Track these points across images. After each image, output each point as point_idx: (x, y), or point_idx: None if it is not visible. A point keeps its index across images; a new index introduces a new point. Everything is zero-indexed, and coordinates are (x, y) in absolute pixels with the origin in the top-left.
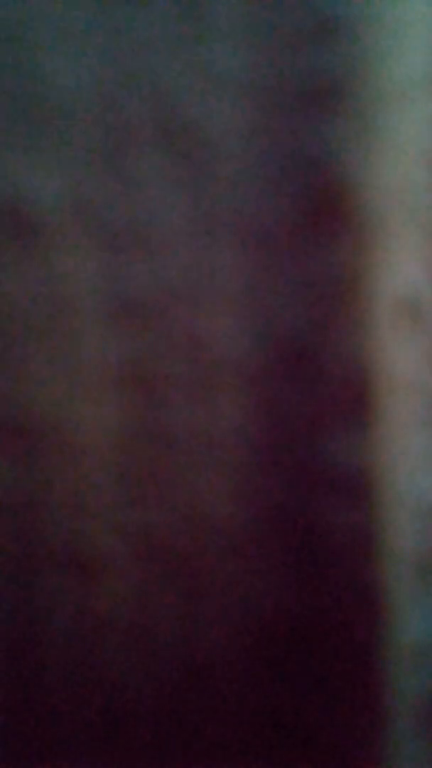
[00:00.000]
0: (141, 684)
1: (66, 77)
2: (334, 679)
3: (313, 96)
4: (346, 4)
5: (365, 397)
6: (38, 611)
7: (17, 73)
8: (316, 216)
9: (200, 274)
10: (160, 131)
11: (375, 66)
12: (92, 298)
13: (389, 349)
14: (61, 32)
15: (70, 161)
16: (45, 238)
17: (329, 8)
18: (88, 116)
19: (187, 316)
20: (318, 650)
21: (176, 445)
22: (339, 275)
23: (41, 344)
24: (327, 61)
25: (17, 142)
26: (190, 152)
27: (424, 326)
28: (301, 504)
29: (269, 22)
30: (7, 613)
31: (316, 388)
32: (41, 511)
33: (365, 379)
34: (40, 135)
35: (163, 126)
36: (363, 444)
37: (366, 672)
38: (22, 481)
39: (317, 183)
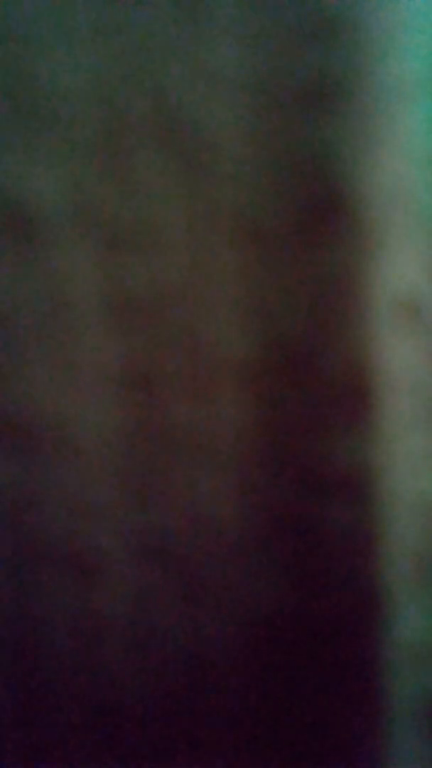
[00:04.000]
0: (141, 683)
1: (66, 77)
2: (333, 679)
3: (313, 96)
4: (346, 4)
5: (365, 397)
6: (38, 611)
7: (17, 73)
8: (316, 216)
9: (200, 274)
10: (160, 131)
11: (375, 66)
12: (92, 298)
13: (389, 349)
14: (61, 32)
15: (70, 161)
16: (45, 238)
17: (329, 8)
18: (88, 116)
19: (187, 316)
20: (318, 649)
21: (176, 445)
22: (339, 275)
23: (41, 344)
24: (327, 61)
25: (17, 142)
26: (190, 152)
27: (424, 326)
28: (301, 504)
29: (269, 22)
30: (7, 612)
31: (316, 388)
32: (41, 511)
33: (365, 378)
34: (40, 135)
35: (163, 126)
36: (363, 443)
37: (366, 671)
38: (22, 481)
39: (317, 183)
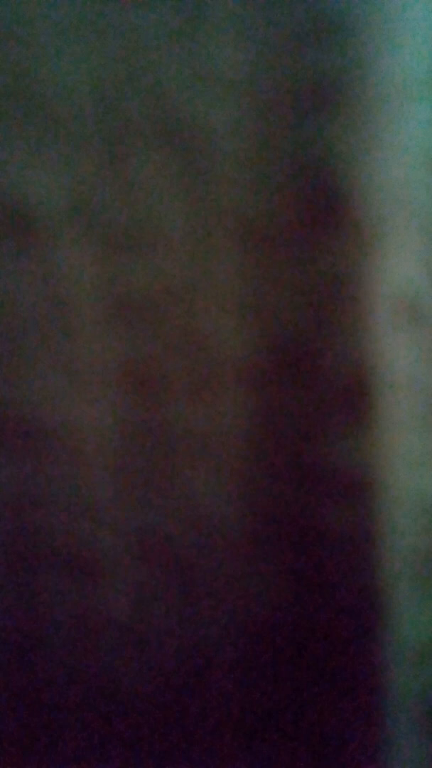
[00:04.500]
0: (141, 683)
1: (66, 77)
2: (333, 679)
3: (313, 96)
4: (346, 4)
5: (365, 397)
6: (38, 611)
7: (17, 73)
8: (316, 216)
9: (200, 274)
10: (160, 131)
11: (375, 66)
12: (92, 298)
13: (389, 349)
14: (61, 32)
15: (70, 161)
16: (45, 237)
17: (329, 8)
18: (88, 116)
19: (188, 316)
20: (318, 650)
21: (176, 445)
22: (339, 275)
23: (41, 344)
24: (327, 61)
25: (17, 142)
26: (190, 152)
27: (424, 326)
28: (301, 504)
29: (269, 22)
30: (7, 612)
31: (316, 388)
32: (41, 511)
33: (365, 379)
34: (40, 135)
35: (163, 126)
36: (363, 442)
37: (366, 672)
38: (23, 481)
39: (317, 183)
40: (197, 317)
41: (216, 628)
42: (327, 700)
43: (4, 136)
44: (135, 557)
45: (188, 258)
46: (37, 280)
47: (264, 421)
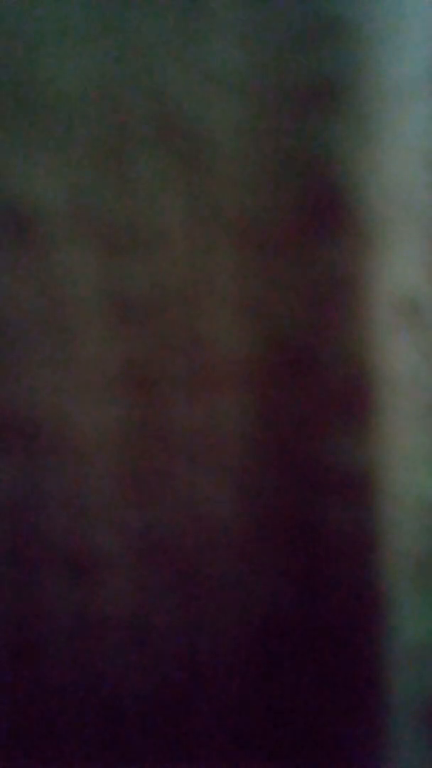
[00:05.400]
0: (141, 683)
1: (66, 77)
2: (334, 679)
3: (313, 96)
4: (346, 4)
5: (365, 397)
6: (38, 611)
7: (17, 72)
8: (316, 216)
9: (200, 274)
10: (160, 131)
11: (375, 66)
12: (92, 298)
13: (389, 349)
14: (61, 32)
15: (70, 161)
16: (45, 238)
17: (329, 8)
18: (88, 116)
19: (187, 316)
20: (318, 649)
21: (176, 445)
22: (339, 275)
23: (41, 344)
24: (327, 61)
25: (17, 142)
26: (190, 152)
27: (423, 326)
28: (301, 503)
29: (269, 22)
30: (7, 612)
31: (316, 388)
32: (41, 511)
33: (365, 378)
34: (40, 135)
35: (163, 126)
36: (363, 443)
37: (366, 671)
38: (22, 481)
39: (317, 183)
40: (197, 317)
41: (216, 628)
42: (327, 700)
43: (3, 136)
44: (135, 557)
45: (188, 258)
46: (37, 280)
47: (264, 421)
